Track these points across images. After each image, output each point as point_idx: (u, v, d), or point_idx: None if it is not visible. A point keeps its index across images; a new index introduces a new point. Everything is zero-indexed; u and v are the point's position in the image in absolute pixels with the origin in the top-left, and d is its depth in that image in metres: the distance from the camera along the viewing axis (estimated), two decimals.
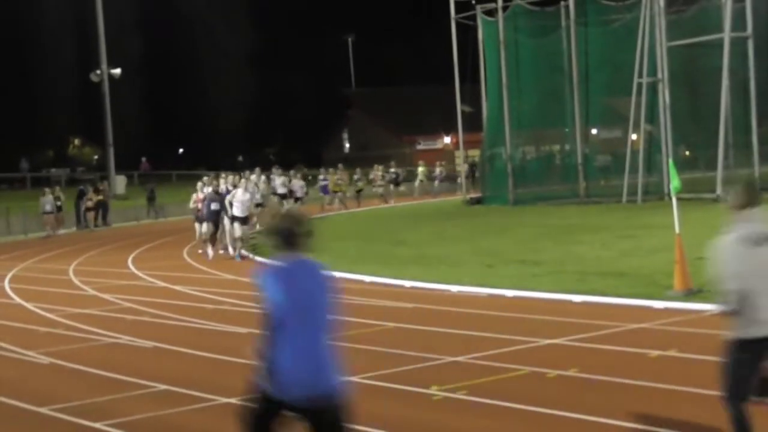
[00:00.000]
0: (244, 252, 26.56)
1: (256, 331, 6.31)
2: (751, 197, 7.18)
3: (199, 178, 33.49)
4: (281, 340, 6.21)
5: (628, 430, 8.68)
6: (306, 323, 6.25)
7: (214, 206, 27.18)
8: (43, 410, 10.59)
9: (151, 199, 51.71)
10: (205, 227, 27.79)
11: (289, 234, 6.41)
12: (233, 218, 26.41)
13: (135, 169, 74.55)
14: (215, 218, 27.20)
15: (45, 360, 13.55)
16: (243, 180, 30.40)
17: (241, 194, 26.72)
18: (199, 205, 28.27)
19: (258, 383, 6.30)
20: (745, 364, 7.04)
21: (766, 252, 7.03)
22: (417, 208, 45.73)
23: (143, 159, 76.69)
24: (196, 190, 29.31)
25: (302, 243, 6.43)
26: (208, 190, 28.10)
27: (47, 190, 45.66)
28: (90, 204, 46.03)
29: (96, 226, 46.21)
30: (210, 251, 27.31)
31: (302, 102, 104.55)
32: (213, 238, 27.52)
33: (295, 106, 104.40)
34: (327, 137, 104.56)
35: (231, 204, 26.51)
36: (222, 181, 29.13)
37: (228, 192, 27.43)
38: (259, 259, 25.00)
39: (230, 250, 27.08)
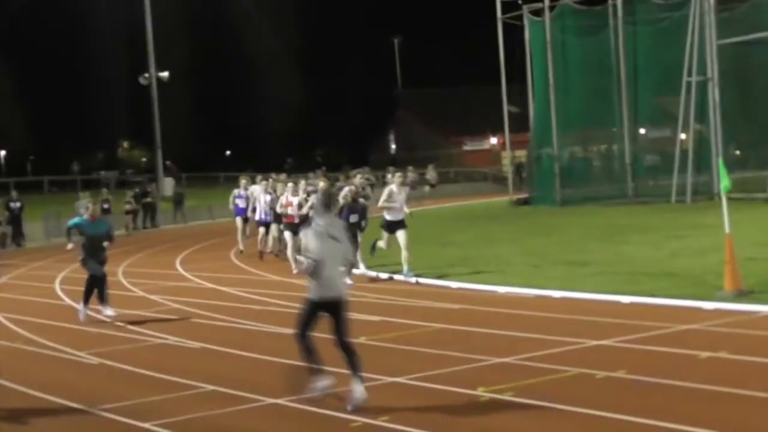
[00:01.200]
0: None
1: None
2: (328, 203, 10.46)
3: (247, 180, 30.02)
4: None
5: None
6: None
7: (353, 218, 20.69)
8: (93, 410, 10.66)
9: (178, 202, 51.87)
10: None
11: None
12: (390, 225, 20.92)
13: (169, 170, 74.33)
14: (354, 232, 20.19)
15: (95, 360, 13.65)
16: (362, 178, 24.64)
17: (397, 192, 20.88)
18: (289, 210, 23.34)
19: None
20: (311, 316, 10.20)
21: (330, 243, 10.09)
22: (464, 209, 45.60)
23: (167, 162, 76.04)
24: (263, 191, 26.61)
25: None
26: (346, 191, 22.08)
27: (81, 195, 46.19)
28: (128, 207, 46.16)
29: (144, 227, 47.00)
30: (371, 273, 21.38)
31: (349, 104, 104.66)
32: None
33: (342, 107, 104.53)
34: (374, 139, 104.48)
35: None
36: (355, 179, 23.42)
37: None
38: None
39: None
